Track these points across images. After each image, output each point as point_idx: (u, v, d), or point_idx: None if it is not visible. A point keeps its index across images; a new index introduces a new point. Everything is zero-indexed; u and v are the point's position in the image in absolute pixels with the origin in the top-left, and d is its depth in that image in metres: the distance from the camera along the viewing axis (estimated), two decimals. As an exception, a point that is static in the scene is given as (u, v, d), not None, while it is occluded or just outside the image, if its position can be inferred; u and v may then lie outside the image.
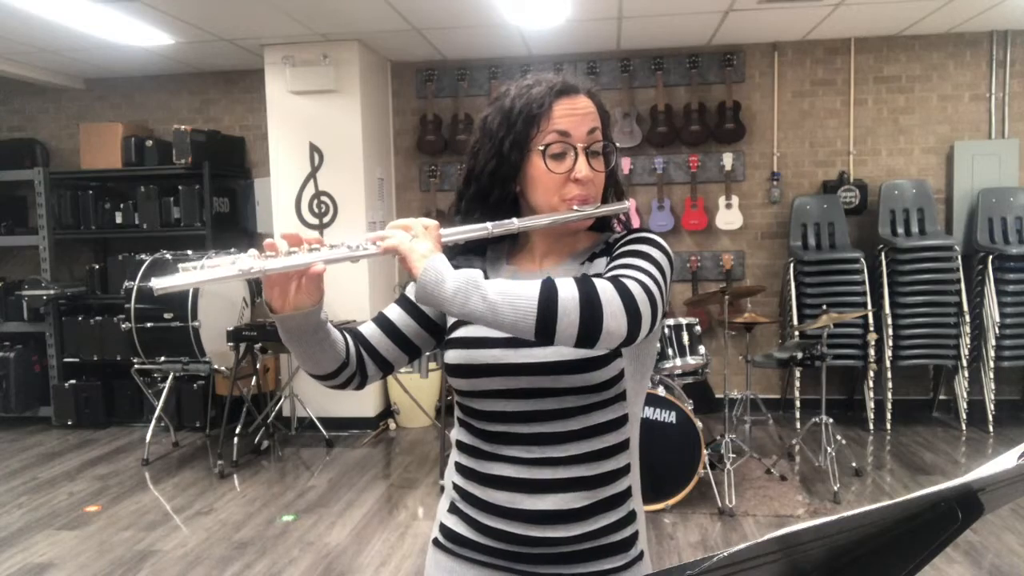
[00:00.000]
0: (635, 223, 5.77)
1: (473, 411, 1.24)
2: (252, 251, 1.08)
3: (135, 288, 4.98)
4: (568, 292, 1.03)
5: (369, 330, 1.30)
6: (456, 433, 1.30)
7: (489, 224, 1.17)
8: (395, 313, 1.31)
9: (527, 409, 1.19)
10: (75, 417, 5.85)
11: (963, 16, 5.18)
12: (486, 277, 1.14)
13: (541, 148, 1.19)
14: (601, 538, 1.20)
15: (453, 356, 1.23)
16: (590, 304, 1.03)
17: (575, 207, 1.20)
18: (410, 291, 1.32)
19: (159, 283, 1.04)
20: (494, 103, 1.25)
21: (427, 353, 1.39)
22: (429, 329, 1.30)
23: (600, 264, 1.25)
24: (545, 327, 1.02)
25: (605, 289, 1.05)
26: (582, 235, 1.30)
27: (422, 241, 1.08)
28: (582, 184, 1.20)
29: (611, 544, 1.20)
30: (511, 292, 1.03)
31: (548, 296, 1.03)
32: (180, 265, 1.06)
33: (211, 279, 1.06)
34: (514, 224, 1.18)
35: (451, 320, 1.28)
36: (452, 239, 1.15)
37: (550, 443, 1.18)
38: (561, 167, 1.20)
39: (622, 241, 1.24)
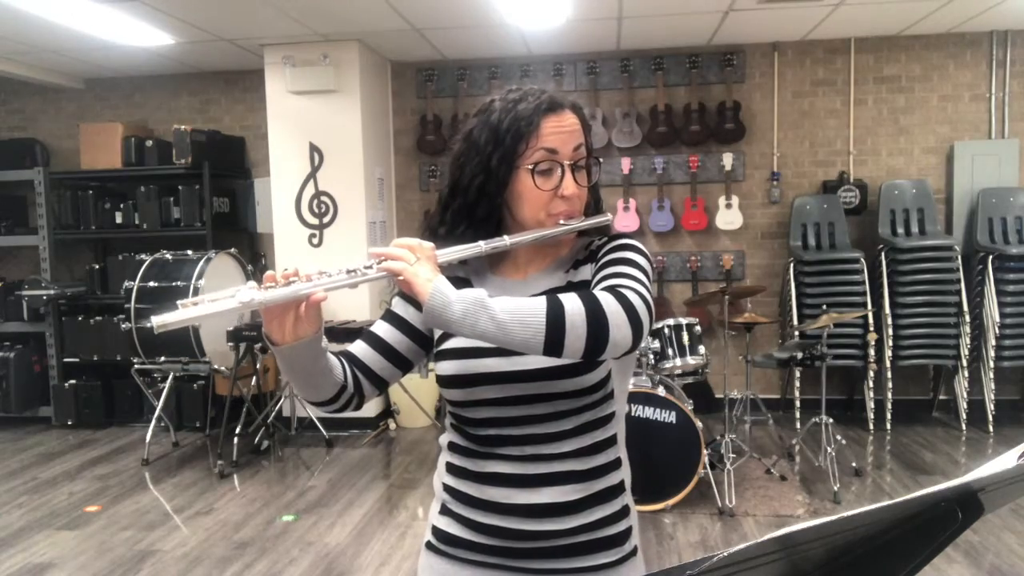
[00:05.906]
0: (635, 224, 5.80)
1: (466, 419, 1.25)
2: (251, 283, 1.10)
3: (135, 288, 4.98)
4: (574, 307, 1.06)
5: (360, 349, 1.30)
6: (448, 436, 1.31)
7: (482, 243, 1.19)
8: (384, 329, 1.32)
9: (520, 414, 1.21)
10: (75, 417, 5.86)
11: (963, 16, 5.18)
12: (471, 286, 1.18)
13: (529, 167, 1.20)
14: (596, 531, 1.22)
15: (447, 367, 1.24)
16: (596, 317, 1.06)
17: (561, 221, 1.23)
18: (396, 306, 1.33)
19: (159, 320, 1.05)
20: (480, 116, 1.26)
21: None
22: (419, 341, 1.32)
23: (585, 271, 1.27)
24: (554, 343, 1.05)
25: (608, 302, 1.07)
26: (563, 241, 1.32)
27: (423, 264, 1.09)
28: (568, 200, 1.22)
29: (605, 538, 1.23)
30: (518, 310, 1.05)
31: (555, 313, 1.05)
32: (179, 301, 1.06)
33: (211, 313, 1.07)
34: (505, 242, 1.20)
35: (439, 331, 1.28)
36: (447, 259, 1.16)
37: (543, 442, 1.21)
38: (548, 184, 1.21)
39: (606, 248, 1.26)
